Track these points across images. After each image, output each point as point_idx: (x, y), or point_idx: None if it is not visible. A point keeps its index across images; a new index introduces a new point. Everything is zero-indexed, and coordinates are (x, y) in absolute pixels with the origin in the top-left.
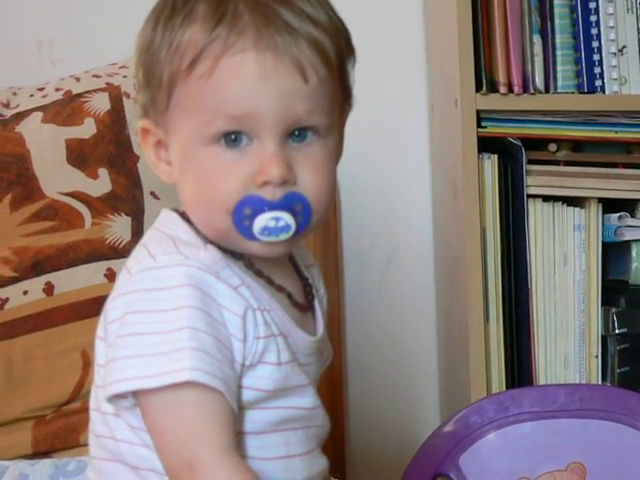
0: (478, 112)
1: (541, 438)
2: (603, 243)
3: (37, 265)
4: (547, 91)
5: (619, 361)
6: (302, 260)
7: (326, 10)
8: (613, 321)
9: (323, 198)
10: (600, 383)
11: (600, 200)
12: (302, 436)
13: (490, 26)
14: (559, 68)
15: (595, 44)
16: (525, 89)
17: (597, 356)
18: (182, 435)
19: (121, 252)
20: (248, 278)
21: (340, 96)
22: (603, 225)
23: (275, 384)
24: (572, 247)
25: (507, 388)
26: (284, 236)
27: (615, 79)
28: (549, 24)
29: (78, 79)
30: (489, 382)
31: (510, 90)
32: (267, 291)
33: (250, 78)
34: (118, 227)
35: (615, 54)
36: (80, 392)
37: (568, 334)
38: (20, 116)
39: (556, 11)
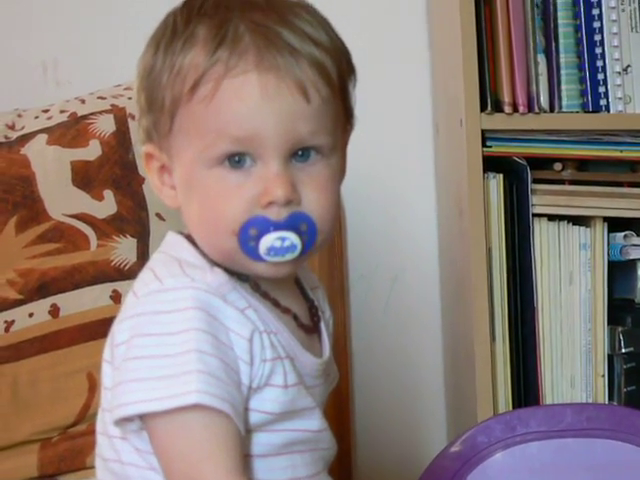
0: (483, 132)
1: (548, 458)
2: (609, 262)
3: (42, 287)
4: (552, 110)
5: (626, 380)
6: (307, 282)
7: (326, 30)
8: (619, 340)
9: (328, 217)
10: (607, 402)
11: (605, 219)
12: (308, 459)
13: (495, 46)
14: (564, 87)
15: (599, 63)
16: (530, 108)
17: (604, 375)
18: (189, 458)
19: (127, 274)
20: (254, 300)
21: (342, 116)
22: (609, 244)
23: (282, 407)
24: (578, 266)
25: (514, 407)
26: (290, 256)
27: (620, 98)
28: (553, 44)
29: (83, 101)
30: (496, 401)
31: (515, 110)
32: (273, 313)
33: (252, 99)
34: (123, 249)
35: (619, 73)
36: (86, 414)
37: (574, 353)
38: (25, 138)
39: (560, 30)
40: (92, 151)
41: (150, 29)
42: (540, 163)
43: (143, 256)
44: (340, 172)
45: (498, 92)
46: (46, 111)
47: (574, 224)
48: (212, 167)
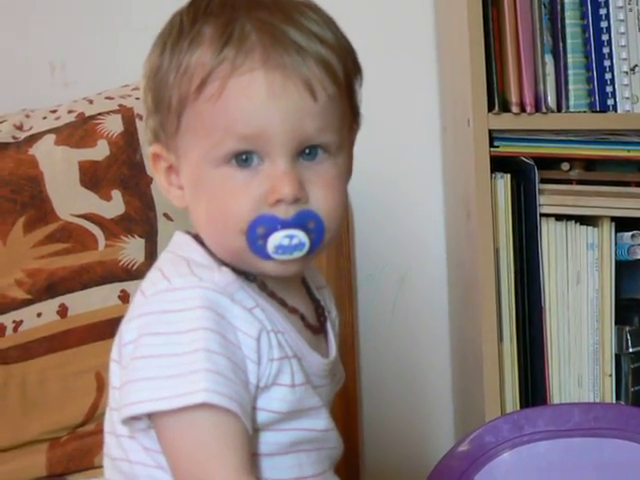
0: (490, 132)
1: (556, 457)
2: (616, 262)
3: (51, 287)
4: (559, 110)
5: (633, 379)
6: (314, 282)
7: (332, 29)
8: (627, 340)
9: (335, 215)
10: (614, 402)
11: (613, 219)
12: (315, 458)
13: (502, 46)
14: (571, 87)
15: (607, 63)
16: (537, 108)
17: (611, 375)
18: (197, 456)
19: (135, 274)
20: (262, 300)
21: (349, 114)
22: (616, 244)
23: (289, 406)
24: (585, 266)
25: (521, 407)
26: (298, 254)
27: (627, 98)
28: (561, 44)
29: (91, 101)
30: (503, 401)
31: (522, 110)
32: (281, 313)
33: (259, 97)
34: (131, 249)
35: (627, 73)
36: (95, 414)
37: (582, 353)
38: (33, 138)
39: (568, 30)
40: (100, 151)
41: (157, 29)
42: (547, 163)
43: (151, 256)
44: (347, 171)
45: (505, 92)
46: (54, 111)
47: (582, 224)
48: (219, 166)
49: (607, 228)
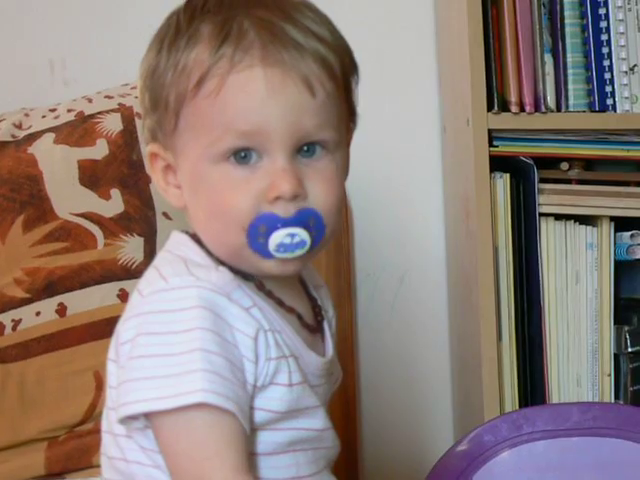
0: (490, 131)
1: (554, 457)
2: (615, 261)
3: (50, 286)
4: (559, 110)
5: (632, 379)
6: (311, 281)
7: (329, 28)
8: (625, 339)
9: (334, 212)
10: (613, 401)
11: (612, 218)
12: (311, 457)
13: (501, 46)
14: (570, 87)
15: (606, 63)
16: (537, 108)
17: (610, 374)
18: (194, 456)
19: (134, 273)
20: (259, 299)
21: (346, 113)
22: (615, 243)
23: (286, 405)
24: (584, 265)
25: (520, 407)
26: (299, 252)
27: (626, 98)
28: (560, 43)
29: (90, 100)
30: (502, 401)
31: (522, 109)
32: (278, 312)
33: (258, 93)
34: (130, 248)
35: (626, 73)
36: (93, 413)
37: (581, 352)
38: (32, 137)
39: (567, 30)
40: (99, 150)
41: (157, 28)
42: (547, 163)
43: (150, 255)
44: (344, 169)
45: (505, 92)
46: (53, 110)
47: (581, 223)
48: (218, 163)
49: (606, 228)
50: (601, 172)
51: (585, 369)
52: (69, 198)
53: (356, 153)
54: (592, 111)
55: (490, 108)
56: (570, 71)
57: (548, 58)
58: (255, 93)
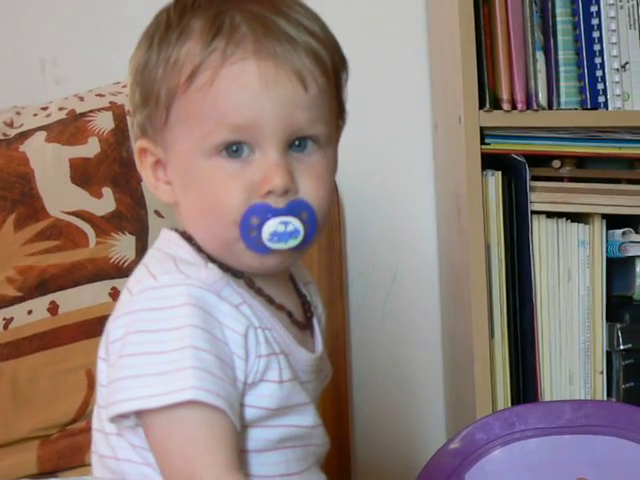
0: (481, 129)
1: (547, 454)
2: (607, 259)
3: (42, 284)
4: (550, 107)
5: (624, 377)
6: (300, 278)
7: (319, 23)
8: (618, 337)
9: (324, 207)
10: (605, 399)
11: (604, 216)
12: (300, 454)
13: (493, 43)
14: (562, 84)
15: (598, 60)
16: (528, 106)
17: (602, 372)
18: (185, 453)
19: (125, 271)
20: (249, 297)
21: (336, 109)
22: (607, 241)
23: (277, 402)
24: (576, 263)
25: (512, 404)
26: (293, 242)
27: (618, 95)
28: (552, 41)
29: (82, 98)
30: (494, 398)
31: (513, 107)
32: (268, 310)
33: (252, 86)
34: (122, 246)
35: (618, 70)
36: (85, 411)
37: (573, 350)
38: (24, 135)
39: (559, 28)
40: (91, 148)
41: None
42: (539, 160)
43: (142, 253)
44: (335, 165)
45: (497, 89)
46: (45, 108)
47: (573, 221)
48: (210, 157)
49: (598, 225)
50: (593, 170)
51: (577, 367)
52: (61, 196)
53: (348, 150)
54: (584, 109)
55: (482, 106)
56: (562, 69)
57: (540, 55)
58: (248, 86)
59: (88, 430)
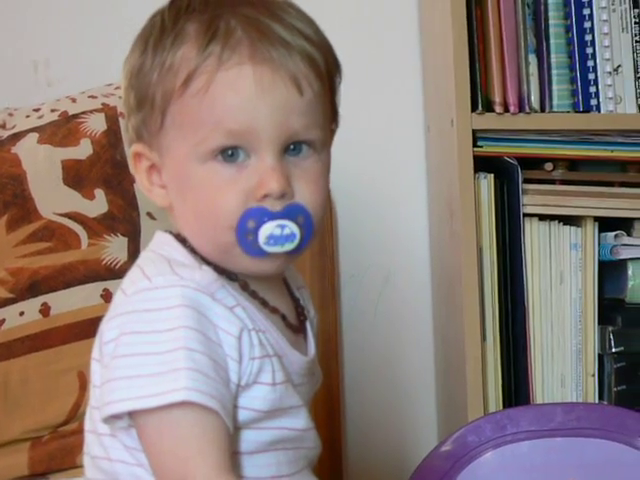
0: (474, 132)
1: (538, 457)
2: (599, 262)
3: (33, 286)
4: (543, 110)
5: (616, 380)
6: (293, 282)
7: (313, 27)
8: (610, 340)
9: (319, 211)
10: (597, 402)
11: (596, 219)
12: (292, 457)
13: (486, 46)
14: (555, 87)
15: (590, 63)
16: (521, 108)
17: (594, 375)
18: (178, 454)
19: (117, 273)
20: (243, 299)
21: (330, 113)
22: (599, 244)
23: (270, 404)
24: (568, 266)
25: (504, 407)
26: (289, 245)
27: (610, 98)
28: (544, 44)
29: (74, 100)
30: (486, 401)
31: (506, 109)
32: (262, 312)
33: (248, 91)
34: (114, 248)
35: (610, 73)
36: (77, 413)
37: (565, 353)
38: (16, 137)
39: (551, 31)
40: (83, 150)
41: (140, 28)
42: (531, 163)
43: (134, 255)
44: (329, 169)
45: (489, 92)
46: (37, 110)
47: (565, 224)
48: (206, 161)
49: (590, 228)
50: (585, 172)
51: (569, 369)
52: (53, 198)
53: (340, 153)
54: (576, 111)
55: (474, 108)
56: (554, 71)
57: (532, 58)
58: (244, 91)
59: (80, 432)
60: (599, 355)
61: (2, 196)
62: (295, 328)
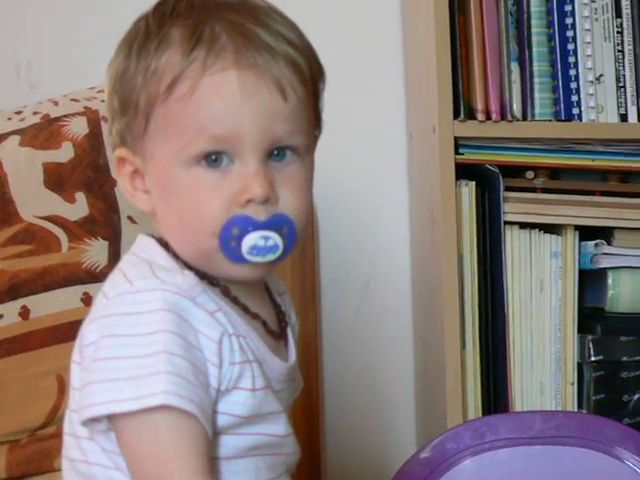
0: (456, 139)
1: (517, 465)
2: (579, 270)
3: (13, 289)
4: (525, 119)
5: (595, 388)
6: (275, 288)
7: (297, 32)
8: (589, 348)
9: (303, 217)
10: (576, 410)
11: (577, 227)
12: (270, 462)
13: (468, 53)
14: (537, 96)
15: (572, 72)
16: (503, 116)
17: (573, 383)
18: (156, 458)
19: (98, 276)
20: (224, 304)
21: (313, 118)
22: (580, 252)
23: (249, 410)
24: (549, 274)
25: (483, 415)
26: (271, 256)
27: (592, 107)
28: (527, 52)
29: (56, 103)
30: (465, 408)
31: (488, 117)
32: (243, 318)
33: (232, 97)
34: (95, 251)
35: (592, 82)
36: (55, 416)
37: (544, 361)
38: None
39: (534, 39)
40: (64, 153)
41: (125, 31)
42: (512, 171)
43: (114, 259)
44: (312, 175)
45: (471, 99)
46: (19, 112)
47: (545, 232)
48: (190, 166)
49: (571, 237)
50: (566, 181)
51: (548, 378)
52: (34, 201)
53: (322, 159)
54: (558, 120)
55: (456, 116)
56: (536, 80)
57: (515, 67)
58: (229, 97)
59: (58, 435)
60: (578, 364)
61: None
62: (276, 334)
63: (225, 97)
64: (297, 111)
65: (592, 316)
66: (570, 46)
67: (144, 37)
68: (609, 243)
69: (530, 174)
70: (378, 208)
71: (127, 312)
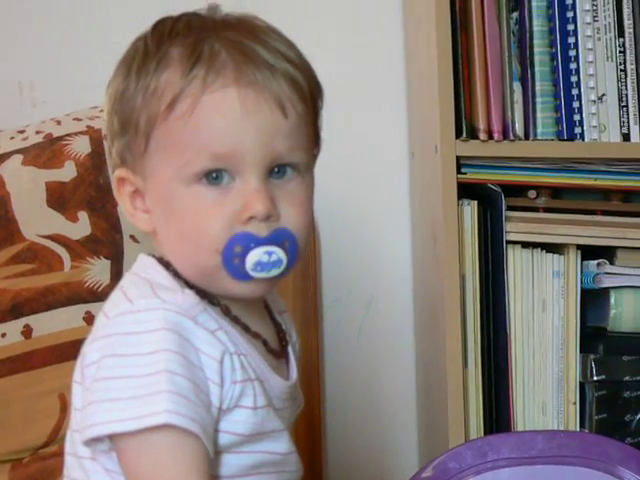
0: (458, 158)
1: None
2: (582, 290)
3: (15, 308)
4: (527, 138)
5: (597, 408)
6: (275, 306)
7: (295, 50)
8: (591, 368)
9: (304, 232)
10: (578, 430)
11: (579, 247)
12: None
13: (470, 73)
14: (539, 115)
15: (575, 92)
16: (505, 136)
17: (575, 403)
18: (157, 477)
19: (100, 295)
20: (225, 323)
21: (312, 136)
22: (582, 272)
23: (251, 428)
24: (551, 293)
25: (485, 434)
26: (275, 271)
27: (594, 126)
28: (529, 71)
29: (59, 122)
30: (467, 428)
31: (490, 137)
32: (244, 337)
33: (233, 114)
34: (97, 270)
35: (595, 102)
36: (57, 435)
37: (546, 380)
38: (0, 158)
39: (536, 58)
40: (67, 172)
41: (124, 53)
42: (514, 190)
43: (117, 278)
44: (313, 192)
45: (473, 119)
46: (22, 132)
47: (548, 251)
48: (190, 184)
49: (573, 256)
50: (568, 200)
51: (550, 397)
52: (36, 220)
53: (324, 177)
54: (560, 139)
55: (458, 135)
56: (539, 99)
57: (517, 86)
58: (229, 114)
59: (60, 454)
60: (580, 383)
61: None
62: (277, 353)
63: (226, 114)
64: (297, 128)
65: (594, 336)
66: (572, 65)
67: (143, 57)
68: (611, 262)
69: (532, 193)
70: (380, 227)
71: (128, 332)
